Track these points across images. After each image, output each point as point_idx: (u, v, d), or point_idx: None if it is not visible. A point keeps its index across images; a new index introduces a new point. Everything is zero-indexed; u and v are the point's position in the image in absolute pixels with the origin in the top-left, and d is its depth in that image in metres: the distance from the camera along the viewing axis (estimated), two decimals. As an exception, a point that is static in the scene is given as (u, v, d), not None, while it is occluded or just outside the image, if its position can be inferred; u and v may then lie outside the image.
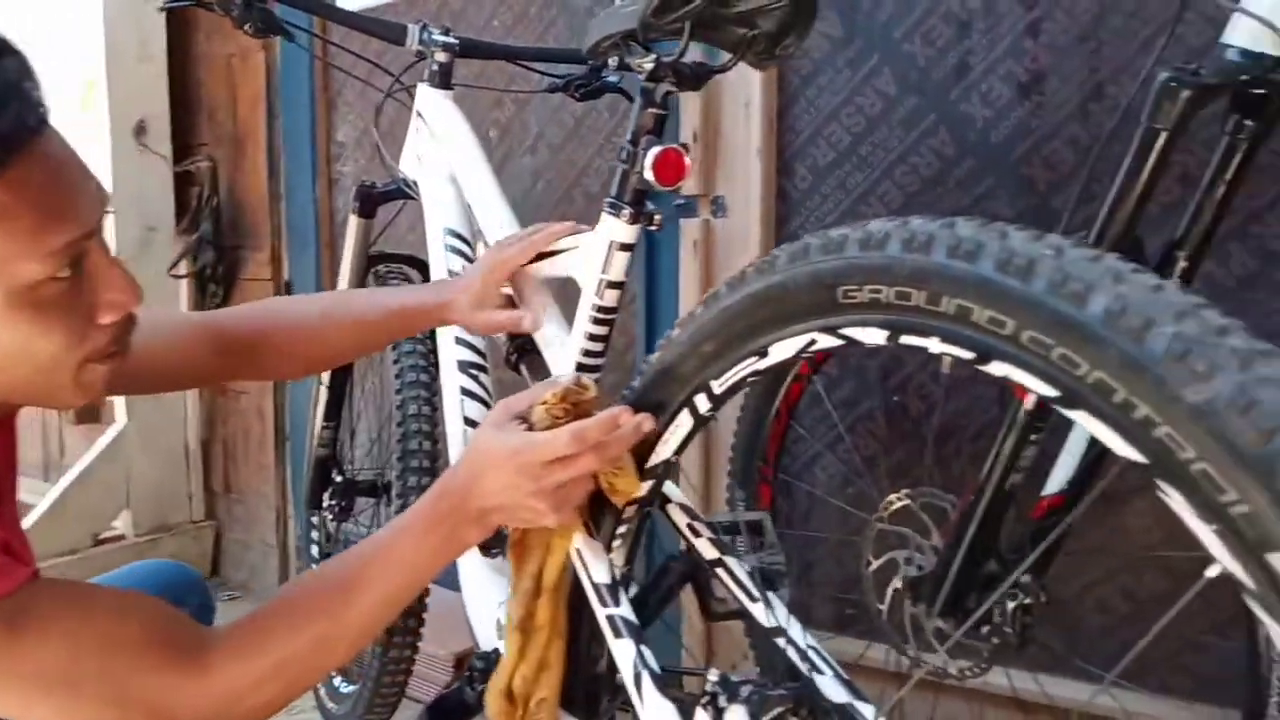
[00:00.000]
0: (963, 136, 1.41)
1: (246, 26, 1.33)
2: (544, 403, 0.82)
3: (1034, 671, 1.29)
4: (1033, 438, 1.00)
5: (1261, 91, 0.89)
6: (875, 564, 1.18)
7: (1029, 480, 1.06)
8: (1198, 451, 0.47)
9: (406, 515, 0.83)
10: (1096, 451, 1.05)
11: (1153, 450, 0.49)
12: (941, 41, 1.42)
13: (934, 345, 0.61)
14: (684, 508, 0.94)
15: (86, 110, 2.46)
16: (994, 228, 0.58)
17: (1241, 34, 0.85)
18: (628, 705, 0.84)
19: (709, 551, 0.92)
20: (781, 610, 0.85)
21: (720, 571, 0.91)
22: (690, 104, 1.60)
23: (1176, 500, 0.49)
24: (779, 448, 1.45)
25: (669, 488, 0.95)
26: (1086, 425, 0.53)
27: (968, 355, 0.59)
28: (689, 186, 1.62)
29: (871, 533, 1.18)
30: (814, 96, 1.54)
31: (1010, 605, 1.06)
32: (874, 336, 0.65)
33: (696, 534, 0.93)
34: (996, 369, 0.57)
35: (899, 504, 1.18)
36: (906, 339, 0.63)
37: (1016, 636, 1.06)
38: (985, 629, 1.07)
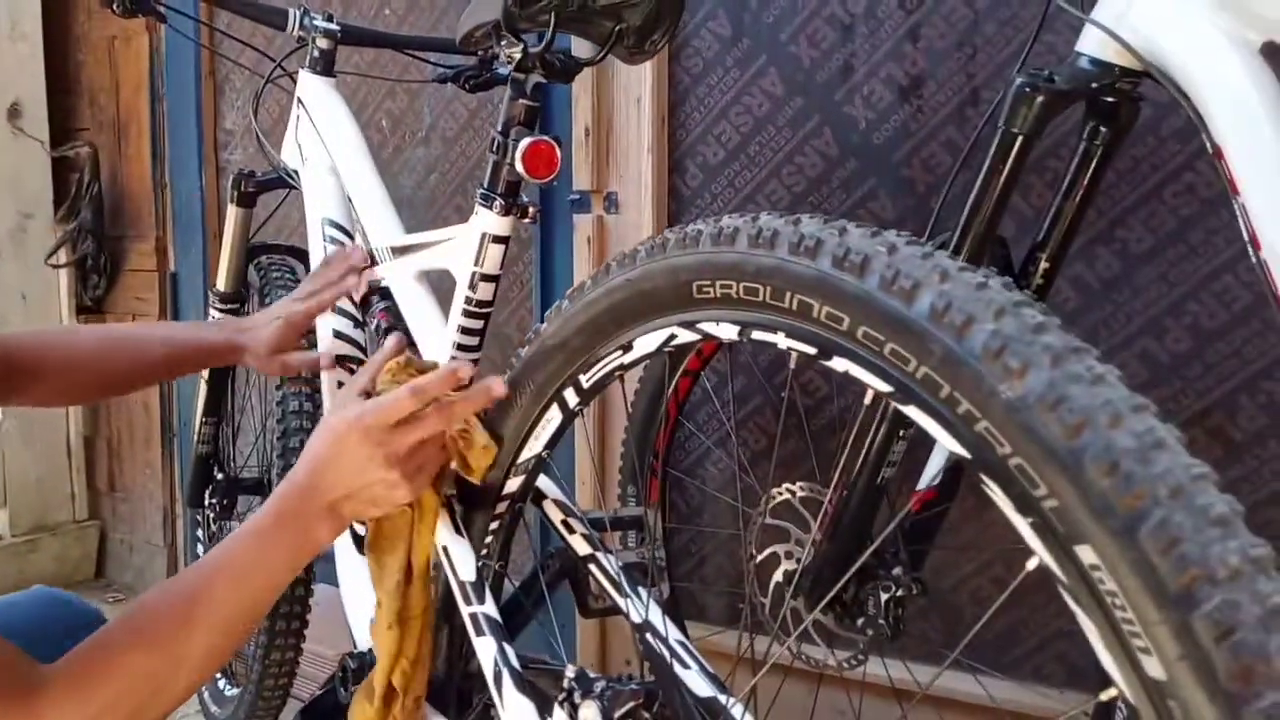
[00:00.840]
0: (846, 138, 1.43)
1: (114, 6, 1.29)
2: (388, 370, 0.81)
3: (911, 662, 1.31)
4: (901, 433, 1.02)
5: (1113, 99, 0.92)
6: (759, 558, 1.19)
7: (904, 475, 1.08)
8: (1012, 447, 0.48)
9: (251, 520, 0.78)
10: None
11: (974, 445, 0.50)
12: (826, 44, 1.43)
13: (781, 341, 0.61)
14: (559, 503, 0.94)
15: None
16: (835, 225, 0.58)
17: (1091, 43, 0.87)
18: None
19: (582, 547, 0.91)
20: (646, 605, 0.85)
21: (592, 567, 0.91)
22: (582, 99, 1.59)
23: (997, 494, 0.50)
24: (669, 443, 1.45)
25: (545, 484, 0.94)
26: (918, 420, 0.54)
27: (811, 351, 0.59)
28: (582, 182, 1.61)
29: (755, 527, 1.19)
30: (704, 95, 1.55)
31: (884, 597, 1.08)
32: (727, 332, 0.66)
33: (571, 530, 0.93)
34: (838, 364, 0.58)
35: (780, 498, 1.19)
36: (756, 334, 0.63)
37: (890, 628, 1.08)
38: (860, 621, 1.09)
